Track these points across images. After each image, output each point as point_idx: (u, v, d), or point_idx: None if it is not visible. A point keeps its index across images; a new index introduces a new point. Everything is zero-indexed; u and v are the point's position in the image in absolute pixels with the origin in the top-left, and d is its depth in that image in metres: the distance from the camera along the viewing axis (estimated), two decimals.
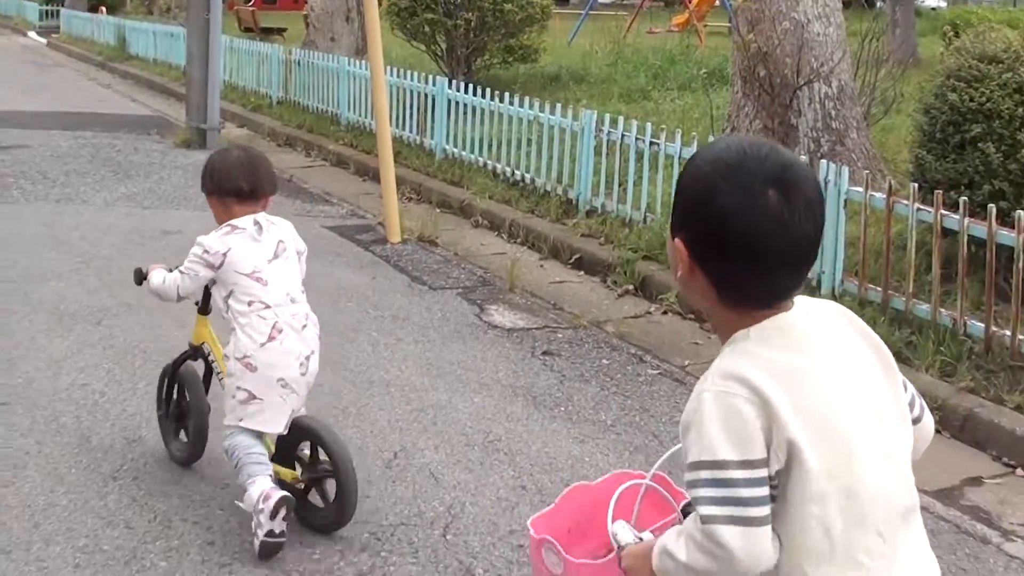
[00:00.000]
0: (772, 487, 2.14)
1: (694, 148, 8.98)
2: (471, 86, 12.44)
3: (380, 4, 12.35)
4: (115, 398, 6.13)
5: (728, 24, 17.83)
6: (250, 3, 37.50)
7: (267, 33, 28.41)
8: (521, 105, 11.36)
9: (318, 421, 4.92)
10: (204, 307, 5.11)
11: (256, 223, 4.79)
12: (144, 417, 5.85)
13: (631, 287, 8.56)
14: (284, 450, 4.83)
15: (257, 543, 4.50)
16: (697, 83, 16.09)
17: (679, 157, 9.16)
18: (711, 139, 9.14)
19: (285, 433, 4.75)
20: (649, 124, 9.77)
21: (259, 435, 4.73)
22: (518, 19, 16.17)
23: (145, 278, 5.05)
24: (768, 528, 2.13)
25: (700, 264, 2.21)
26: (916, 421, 2.37)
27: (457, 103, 12.54)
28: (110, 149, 14.55)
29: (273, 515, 4.46)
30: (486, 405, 6.27)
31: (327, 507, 4.78)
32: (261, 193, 4.91)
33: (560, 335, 7.63)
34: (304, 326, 4.77)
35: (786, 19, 10.15)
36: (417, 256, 9.53)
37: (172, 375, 5.34)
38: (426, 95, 13.14)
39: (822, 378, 2.18)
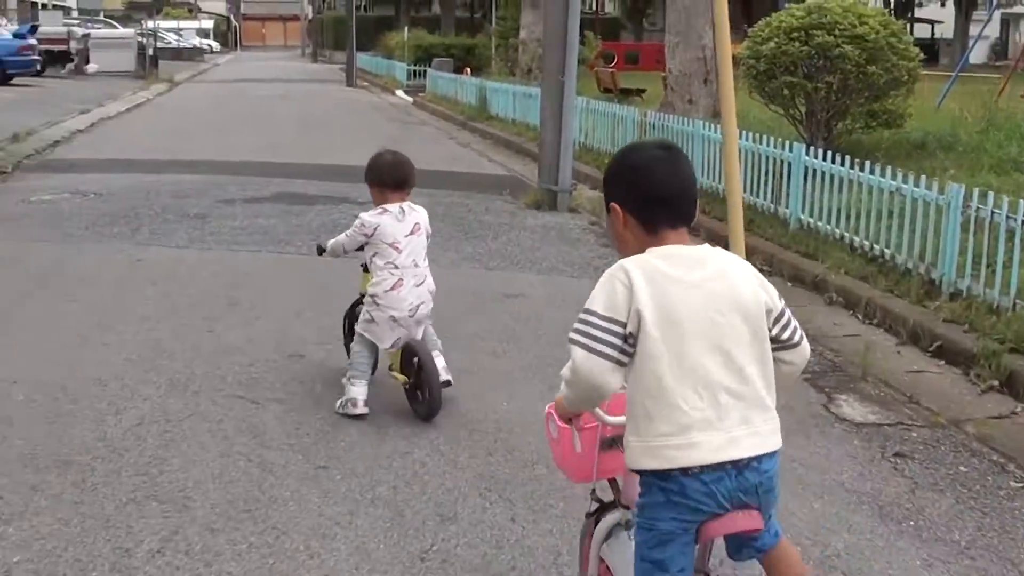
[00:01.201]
0: (630, 344, 3.31)
1: None
2: (829, 153, 11.86)
3: (736, 67, 11.90)
4: (435, 470, 5.91)
5: None
6: (611, 64, 37.68)
7: (626, 94, 28.34)
8: (882, 175, 10.70)
9: (422, 346, 6.79)
10: (367, 267, 6.94)
11: (401, 208, 6.81)
12: (462, 493, 5.60)
13: (996, 383, 7.67)
14: (403, 362, 6.84)
15: (338, 412, 6.72)
16: None
17: None
18: None
19: (392, 350, 6.84)
20: (1022, 201, 8.96)
21: (374, 347, 6.84)
22: (882, 82, 15.36)
23: (324, 249, 7.16)
24: (603, 361, 3.29)
25: (629, 211, 3.48)
26: (795, 345, 3.54)
27: (814, 170, 11.98)
28: (461, 208, 14.64)
29: (351, 415, 6.64)
30: (827, 513, 5.65)
31: (423, 402, 6.71)
32: (406, 186, 6.90)
33: (914, 434, 6.85)
34: (420, 283, 6.83)
35: None
36: None
37: (350, 315, 7.34)
38: (781, 161, 12.64)
39: (680, 285, 3.32)
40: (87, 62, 47.32)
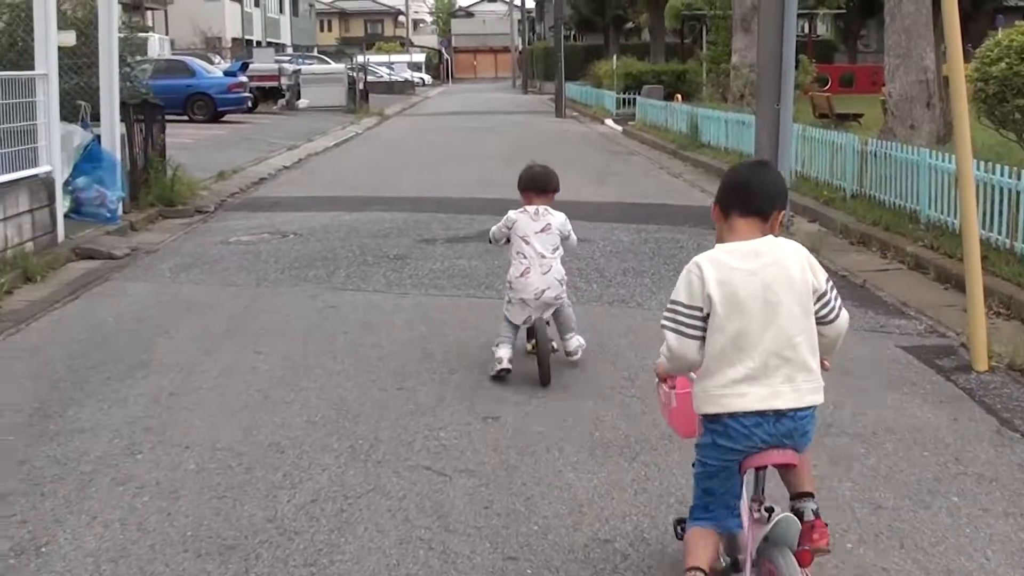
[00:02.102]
0: (704, 322, 4.20)
1: None
2: None
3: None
4: (638, 562, 5.18)
5: None
6: (825, 88, 36.47)
7: (842, 119, 27.23)
8: None
9: (541, 326, 8.09)
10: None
11: (536, 210, 8.23)
12: None
13: None
14: (533, 335, 8.28)
15: (491, 373, 8.07)
16: None
17: None
18: None
19: (524, 325, 8.23)
20: None
21: (514, 324, 8.22)
22: None
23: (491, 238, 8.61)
24: (691, 341, 4.22)
25: (720, 207, 4.39)
26: (830, 321, 4.29)
27: None
28: (672, 245, 13.88)
29: (498, 371, 8.01)
30: None
31: (539, 369, 7.97)
32: (545, 192, 8.36)
33: None
34: (547, 272, 8.11)
35: None
36: (1007, 391, 7.87)
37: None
38: (1018, 192, 11.58)
39: (740, 272, 4.17)
40: (298, 97, 47.96)
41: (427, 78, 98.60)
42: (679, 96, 35.77)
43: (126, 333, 9.65)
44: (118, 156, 15.74)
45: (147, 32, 25.38)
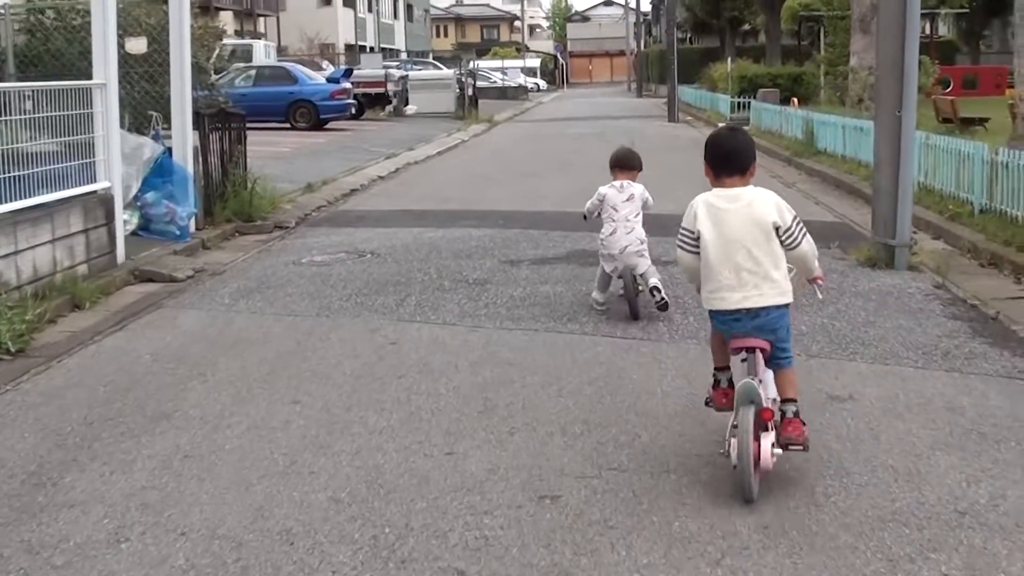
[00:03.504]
0: (696, 243, 6.08)
1: None
2: None
3: None
4: None
5: None
6: (948, 90, 34.73)
7: (967, 124, 25.59)
8: None
9: (627, 275, 10.10)
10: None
11: (621, 184, 10.25)
12: None
13: None
14: (623, 279, 10.22)
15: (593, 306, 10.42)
16: None
17: None
18: None
19: (613, 274, 10.22)
20: None
21: (608, 273, 10.29)
22: None
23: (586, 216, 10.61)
24: (688, 255, 6.18)
25: (712, 169, 6.20)
26: (792, 248, 6.03)
27: None
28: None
29: (596, 308, 10.40)
30: None
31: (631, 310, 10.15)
32: (625, 170, 10.42)
33: None
34: (629, 232, 10.05)
35: None
36: None
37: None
38: None
39: (722, 211, 6.01)
40: (406, 104, 47.15)
41: (541, 83, 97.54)
42: (795, 100, 34.25)
43: (159, 375, 8.62)
44: (190, 169, 14.82)
45: (223, 35, 24.72)
